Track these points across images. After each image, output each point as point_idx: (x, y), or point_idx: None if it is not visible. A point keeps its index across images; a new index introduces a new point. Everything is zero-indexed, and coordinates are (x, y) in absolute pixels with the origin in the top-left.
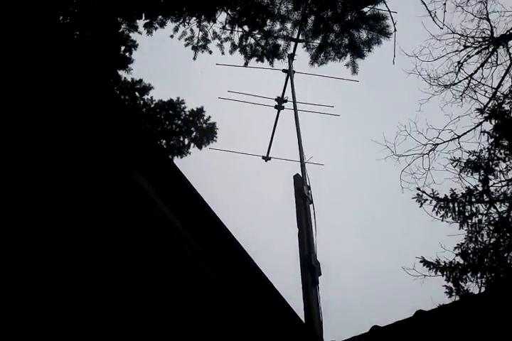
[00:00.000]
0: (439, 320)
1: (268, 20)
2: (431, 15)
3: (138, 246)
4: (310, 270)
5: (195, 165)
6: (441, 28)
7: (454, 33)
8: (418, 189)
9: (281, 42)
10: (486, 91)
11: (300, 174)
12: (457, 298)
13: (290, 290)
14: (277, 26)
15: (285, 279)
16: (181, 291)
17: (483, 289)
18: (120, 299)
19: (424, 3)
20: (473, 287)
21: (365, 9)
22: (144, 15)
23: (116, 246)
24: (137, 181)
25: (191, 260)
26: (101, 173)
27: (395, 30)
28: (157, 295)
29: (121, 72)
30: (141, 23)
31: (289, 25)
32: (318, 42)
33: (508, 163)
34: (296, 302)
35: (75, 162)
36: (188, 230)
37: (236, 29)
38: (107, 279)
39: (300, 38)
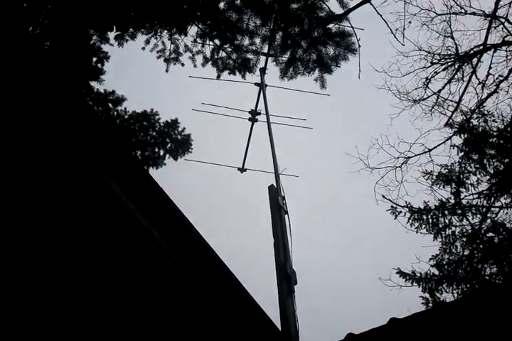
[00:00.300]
0: (412, 327)
1: (238, 35)
2: (392, 32)
3: (115, 257)
4: (286, 279)
5: (171, 176)
6: (403, 45)
7: (420, 49)
8: (390, 200)
9: (251, 56)
10: (453, 107)
11: (275, 185)
12: None
13: (267, 298)
14: (247, 41)
15: (262, 288)
16: (161, 301)
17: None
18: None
19: (386, 21)
20: (449, 298)
21: (332, 26)
22: (115, 28)
23: (94, 256)
24: (114, 191)
25: (170, 270)
26: (78, 184)
27: (359, 46)
28: (138, 308)
29: (94, 83)
30: (112, 35)
31: (257, 40)
32: (287, 57)
33: (478, 176)
34: (273, 310)
35: (51, 174)
36: (165, 241)
37: (207, 42)
38: (85, 288)
39: (271, 52)
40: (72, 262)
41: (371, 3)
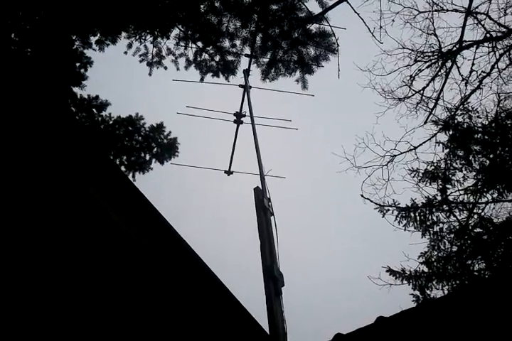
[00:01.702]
0: (400, 325)
1: (220, 37)
2: (370, 31)
3: (101, 261)
4: (273, 281)
5: (157, 181)
6: (382, 43)
7: (404, 48)
8: (374, 202)
9: (233, 58)
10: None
11: (260, 187)
12: None
13: (254, 301)
14: (227, 43)
15: (249, 290)
16: (142, 303)
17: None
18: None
19: (363, 20)
20: (439, 295)
21: (312, 27)
22: (98, 32)
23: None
24: (94, 198)
25: (152, 274)
26: (57, 191)
27: (338, 45)
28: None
29: (76, 89)
30: (94, 39)
31: (238, 42)
32: (268, 58)
33: (464, 172)
34: (260, 313)
35: (31, 180)
36: (146, 244)
37: (190, 45)
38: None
39: (253, 54)
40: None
41: (348, 2)
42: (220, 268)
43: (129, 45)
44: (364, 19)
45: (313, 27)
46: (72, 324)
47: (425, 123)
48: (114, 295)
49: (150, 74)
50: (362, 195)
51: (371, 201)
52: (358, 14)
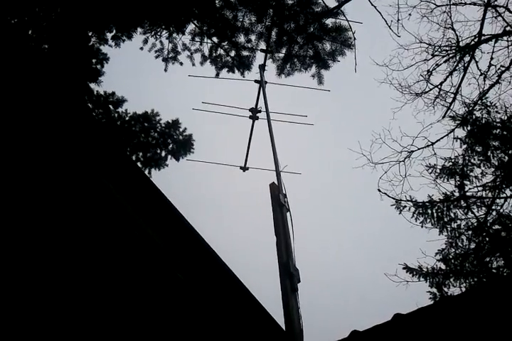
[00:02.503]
0: (417, 323)
1: (235, 33)
2: (387, 24)
3: (114, 256)
4: (289, 277)
5: (173, 177)
6: (399, 37)
7: (421, 42)
8: (392, 197)
9: (249, 53)
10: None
11: (276, 182)
12: None
13: (270, 297)
14: (242, 38)
15: (265, 286)
16: (159, 299)
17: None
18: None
19: (380, 13)
20: (457, 292)
21: (328, 21)
22: (114, 28)
23: (93, 255)
24: (110, 191)
25: (169, 270)
26: (77, 186)
27: (354, 38)
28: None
29: (93, 85)
30: (110, 35)
31: (253, 37)
32: (284, 53)
33: (482, 168)
34: (276, 309)
35: (49, 176)
36: (162, 239)
37: (205, 40)
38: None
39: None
40: (71, 260)
41: None
42: (235, 263)
43: (145, 41)
44: (381, 13)
45: (329, 21)
46: (89, 318)
47: (443, 118)
48: (133, 290)
49: (166, 70)
50: (379, 190)
51: (388, 196)
52: (375, 7)
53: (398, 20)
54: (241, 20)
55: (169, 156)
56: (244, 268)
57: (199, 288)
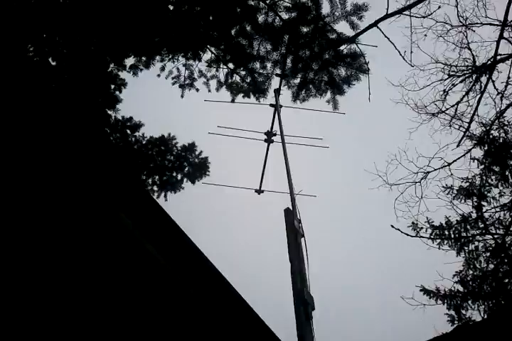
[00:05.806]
0: None
1: (251, 60)
2: (400, 54)
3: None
4: (303, 304)
5: (189, 200)
6: (412, 66)
7: (437, 62)
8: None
9: (264, 79)
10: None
11: (290, 207)
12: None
13: (285, 325)
14: (258, 65)
15: (279, 314)
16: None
17: (486, 317)
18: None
19: (394, 44)
20: (475, 315)
21: (342, 47)
22: (133, 55)
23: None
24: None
25: (179, 298)
26: (90, 216)
27: (368, 69)
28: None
29: (110, 112)
30: (128, 62)
31: (269, 65)
32: (299, 79)
33: (500, 188)
34: (291, 337)
35: (64, 202)
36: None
37: (221, 66)
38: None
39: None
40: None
41: (378, 27)
42: (248, 291)
43: (162, 68)
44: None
45: (344, 47)
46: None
47: (460, 140)
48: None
49: (182, 96)
50: (392, 226)
51: (401, 232)
52: (388, 39)
53: (411, 52)
54: (256, 48)
55: (185, 179)
56: (259, 294)
57: (213, 318)
